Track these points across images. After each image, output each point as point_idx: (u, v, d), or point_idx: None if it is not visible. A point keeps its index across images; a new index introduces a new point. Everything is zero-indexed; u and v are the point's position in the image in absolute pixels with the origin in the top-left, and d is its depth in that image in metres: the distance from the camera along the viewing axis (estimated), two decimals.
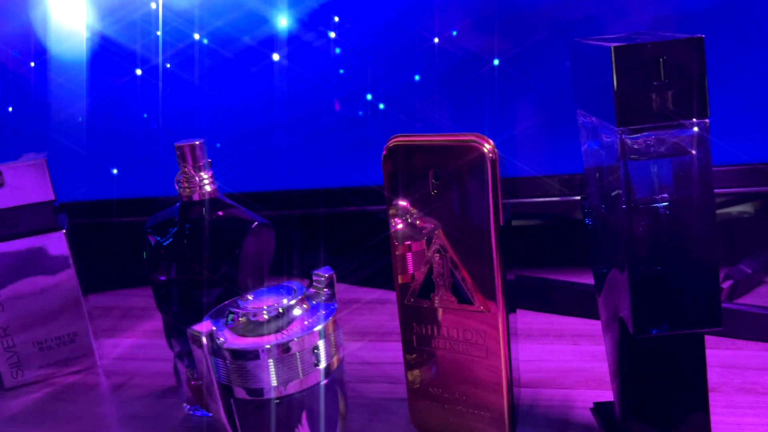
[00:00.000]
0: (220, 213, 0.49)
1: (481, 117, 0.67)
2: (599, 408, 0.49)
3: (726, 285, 0.62)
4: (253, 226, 0.48)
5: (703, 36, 0.37)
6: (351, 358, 0.59)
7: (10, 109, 0.75)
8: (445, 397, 0.47)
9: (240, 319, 0.39)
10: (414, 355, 0.47)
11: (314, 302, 0.41)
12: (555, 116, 0.66)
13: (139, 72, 0.73)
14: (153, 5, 0.70)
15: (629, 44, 0.37)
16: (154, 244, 0.50)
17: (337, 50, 0.68)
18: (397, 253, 0.44)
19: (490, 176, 0.40)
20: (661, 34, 0.40)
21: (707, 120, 0.37)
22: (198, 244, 0.48)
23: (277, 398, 0.38)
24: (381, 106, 0.68)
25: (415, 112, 0.68)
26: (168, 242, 0.49)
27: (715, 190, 0.38)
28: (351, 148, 0.72)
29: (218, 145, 0.64)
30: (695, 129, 0.37)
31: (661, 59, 0.37)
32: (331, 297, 0.42)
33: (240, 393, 0.39)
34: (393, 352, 0.60)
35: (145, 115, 0.74)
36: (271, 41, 0.69)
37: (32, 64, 0.74)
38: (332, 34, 0.67)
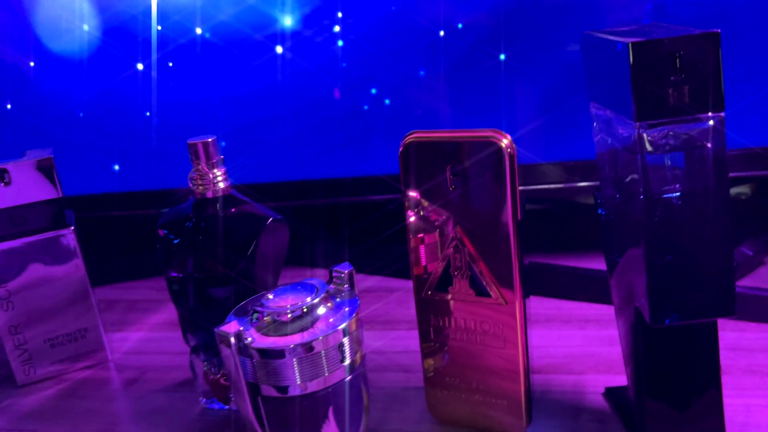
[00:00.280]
0: (235, 210, 0.49)
1: (486, 108, 0.67)
2: (611, 393, 0.50)
3: None
4: (268, 222, 0.49)
5: (719, 31, 0.37)
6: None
7: (9, 106, 0.74)
8: (462, 387, 0.48)
9: (265, 318, 0.40)
10: (431, 347, 0.48)
11: (338, 299, 0.41)
12: (558, 105, 0.66)
13: (140, 66, 0.72)
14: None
15: (646, 40, 0.37)
16: (168, 240, 0.50)
17: (340, 42, 0.68)
18: (414, 246, 0.45)
19: (509, 171, 0.41)
20: (674, 28, 0.41)
21: (723, 114, 0.38)
22: (214, 241, 0.49)
23: (303, 395, 0.39)
24: (386, 101, 0.68)
25: (420, 105, 0.68)
26: (183, 239, 0.50)
27: None
28: (353, 140, 0.72)
29: (223, 143, 0.64)
30: (711, 122, 0.38)
31: (677, 54, 0.37)
32: (351, 293, 0.43)
33: (267, 391, 0.39)
34: (403, 340, 0.61)
35: (148, 114, 0.74)
36: (274, 34, 0.69)
37: (32, 64, 0.73)
38: (336, 28, 0.67)
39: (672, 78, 0.37)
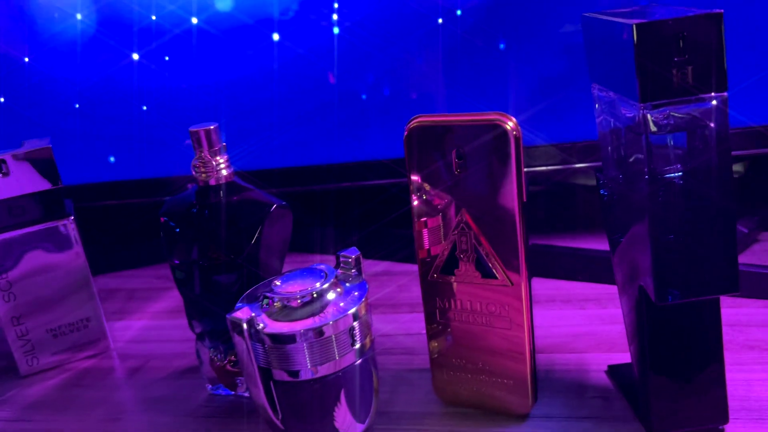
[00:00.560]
0: (239, 197, 0.49)
1: (483, 92, 0.67)
2: (614, 370, 0.51)
3: None
4: (273, 209, 0.49)
5: (722, 11, 0.38)
6: None
7: (2, 99, 0.73)
8: (468, 368, 0.48)
9: (275, 303, 0.40)
10: (437, 329, 0.48)
11: (347, 284, 0.42)
12: (554, 88, 0.66)
13: (135, 57, 0.72)
14: None
15: (651, 21, 0.37)
16: (171, 228, 0.50)
17: (336, 30, 0.67)
18: (419, 230, 0.45)
19: (514, 154, 0.41)
20: (675, 8, 0.41)
21: (725, 93, 0.39)
22: (219, 229, 0.49)
23: (314, 379, 0.39)
24: (384, 87, 0.68)
25: (417, 90, 0.68)
26: (187, 226, 0.50)
27: None
28: (350, 125, 0.72)
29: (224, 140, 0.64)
30: (714, 102, 0.39)
31: (681, 35, 0.37)
32: (359, 277, 0.43)
33: (279, 375, 0.39)
34: (406, 323, 0.62)
35: (145, 108, 0.73)
36: (271, 21, 0.69)
37: (26, 59, 0.72)
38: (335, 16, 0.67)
39: (676, 59, 0.38)
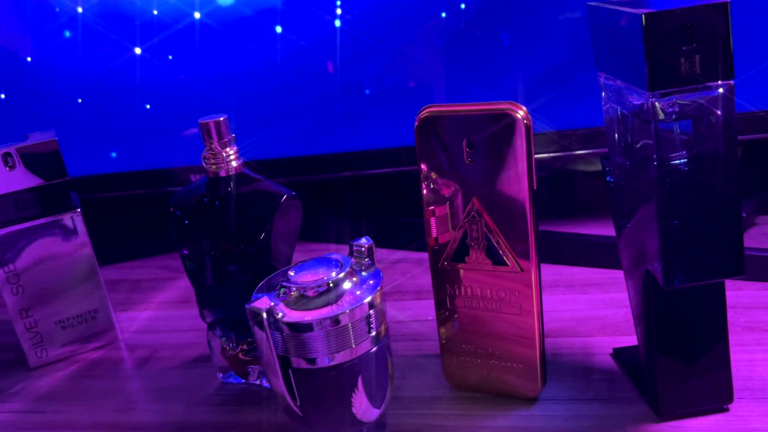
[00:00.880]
0: (249, 188, 0.50)
1: (487, 83, 0.68)
2: (619, 353, 0.52)
3: None
4: (283, 199, 0.49)
5: (729, 0, 0.38)
6: None
7: (2, 96, 0.73)
8: (478, 353, 0.49)
9: (292, 293, 0.40)
10: (447, 315, 0.49)
11: (363, 273, 0.42)
12: (555, 77, 0.67)
13: (138, 51, 0.71)
14: None
15: (659, 11, 0.38)
16: (181, 220, 0.51)
17: (337, 23, 0.68)
18: (430, 218, 0.46)
19: (525, 142, 0.42)
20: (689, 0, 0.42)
21: (732, 81, 0.39)
22: (230, 219, 0.49)
23: (332, 366, 0.40)
24: (385, 77, 0.69)
25: (418, 80, 0.69)
26: (198, 218, 0.50)
27: None
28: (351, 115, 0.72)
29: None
30: (720, 90, 0.39)
31: (688, 25, 0.38)
32: (372, 266, 0.43)
33: (297, 363, 0.40)
34: (413, 310, 0.63)
35: (148, 107, 0.73)
36: (273, 12, 0.69)
37: (29, 59, 0.72)
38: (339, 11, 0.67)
39: (684, 48, 0.38)
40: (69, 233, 0.60)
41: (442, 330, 0.50)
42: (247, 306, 0.39)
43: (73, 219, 0.60)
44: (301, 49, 0.70)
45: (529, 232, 0.44)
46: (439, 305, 0.49)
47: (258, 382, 0.54)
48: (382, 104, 0.70)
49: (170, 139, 0.75)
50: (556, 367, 0.52)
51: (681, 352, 0.45)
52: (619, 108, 0.45)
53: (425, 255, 0.71)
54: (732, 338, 0.52)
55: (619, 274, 0.63)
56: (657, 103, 0.40)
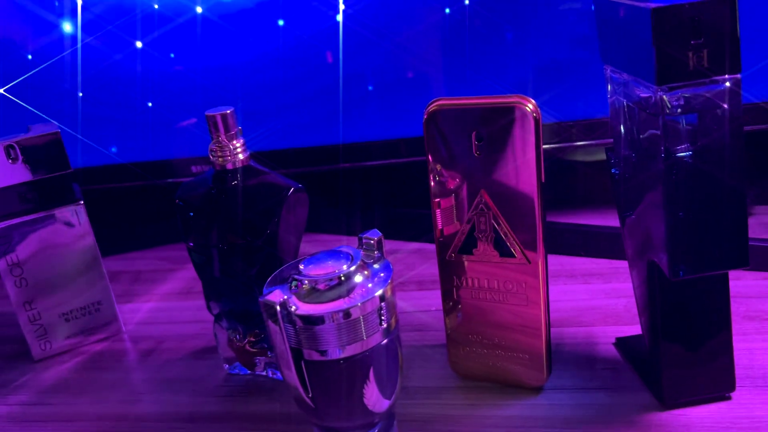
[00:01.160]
0: (256, 180, 0.50)
1: (490, 77, 0.68)
2: (621, 343, 0.53)
3: None
4: (290, 192, 0.49)
5: None
6: None
7: (2, 90, 0.73)
8: (484, 343, 0.49)
9: (304, 285, 0.41)
10: (454, 306, 0.49)
11: (374, 266, 0.42)
12: (555, 71, 0.68)
13: (139, 44, 0.71)
14: None
15: (667, 5, 0.38)
16: (189, 212, 0.51)
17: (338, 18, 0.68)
18: (438, 210, 0.46)
19: (534, 135, 0.42)
20: None
21: (739, 75, 0.40)
22: (237, 212, 0.49)
23: (344, 359, 0.41)
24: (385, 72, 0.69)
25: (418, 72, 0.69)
26: (205, 210, 0.50)
27: None
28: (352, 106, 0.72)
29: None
30: (727, 84, 0.40)
31: (697, 19, 0.39)
32: (381, 258, 0.44)
33: (309, 356, 0.41)
34: (415, 300, 0.63)
35: (150, 104, 0.73)
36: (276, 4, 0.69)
37: (29, 57, 0.71)
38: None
39: (692, 42, 0.39)
40: (72, 226, 0.60)
41: (449, 321, 0.50)
42: (260, 299, 0.39)
43: (76, 211, 0.60)
44: (303, 41, 0.70)
45: (537, 225, 0.44)
46: (446, 296, 0.49)
47: (264, 373, 0.54)
48: (383, 97, 0.71)
49: (170, 130, 0.75)
50: (560, 356, 0.53)
51: (685, 341, 0.45)
52: (625, 101, 0.45)
53: (427, 245, 0.72)
54: (732, 327, 0.53)
55: (619, 264, 0.65)
56: (665, 97, 0.40)
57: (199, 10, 0.69)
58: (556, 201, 0.75)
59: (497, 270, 0.47)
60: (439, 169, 0.45)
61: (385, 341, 0.42)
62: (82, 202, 0.60)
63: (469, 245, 0.47)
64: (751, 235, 0.63)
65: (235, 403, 0.52)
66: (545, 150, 0.69)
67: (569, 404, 0.48)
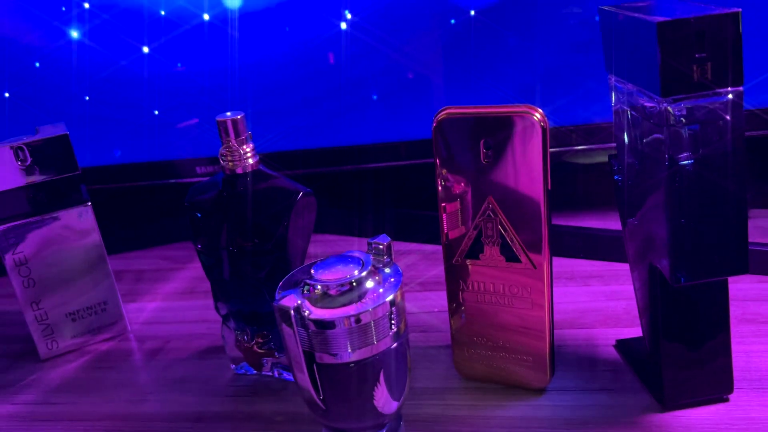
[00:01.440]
0: (266, 185, 0.51)
1: (496, 80, 0.69)
2: (621, 345, 0.54)
3: None
4: (299, 197, 0.50)
5: (740, 10, 0.40)
6: None
7: (7, 95, 0.73)
8: (489, 345, 0.51)
9: (316, 290, 0.41)
10: (460, 309, 0.50)
11: (386, 270, 0.43)
12: (554, 78, 0.69)
13: (146, 50, 0.71)
14: None
15: (673, 20, 0.39)
16: (197, 216, 0.52)
17: (343, 25, 0.68)
18: (445, 216, 0.47)
19: (542, 144, 0.43)
20: (697, 5, 0.43)
21: (741, 88, 0.41)
22: (247, 216, 0.50)
23: (354, 362, 0.41)
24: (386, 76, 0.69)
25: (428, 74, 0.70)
26: (215, 213, 0.51)
27: None
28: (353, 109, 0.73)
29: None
30: (730, 96, 0.41)
31: (702, 33, 0.40)
32: (390, 263, 0.45)
33: (321, 359, 0.41)
34: (418, 301, 0.64)
35: (156, 112, 0.73)
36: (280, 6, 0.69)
37: (37, 64, 0.72)
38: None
39: (696, 55, 0.40)
40: (79, 227, 0.60)
41: (454, 323, 0.51)
42: (275, 303, 0.40)
43: (84, 212, 0.60)
44: (308, 45, 0.70)
45: (543, 231, 0.45)
46: (452, 299, 0.50)
47: (270, 373, 0.55)
48: (385, 102, 0.71)
49: (174, 131, 0.75)
50: (562, 357, 0.54)
51: (685, 343, 0.47)
52: (629, 110, 0.46)
53: (428, 246, 0.73)
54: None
55: (618, 267, 0.66)
56: (670, 108, 0.41)
57: (206, 17, 0.70)
58: (555, 204, 0.77)
59: (503, 274, 0.48)
60: (446, 175, 0.46)
61: (394, 345, 0.43)
62: (89, 203, 0.60)
63: (475, 250, 0.48)
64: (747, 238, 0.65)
65: (243, 403, 0.53)
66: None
67: (571, 405, 0.49)
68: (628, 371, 0.52)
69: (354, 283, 0.42)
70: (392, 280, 0.43)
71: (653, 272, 0.46)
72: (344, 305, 0.41)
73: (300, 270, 0.45)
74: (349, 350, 0.41)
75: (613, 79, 0.48)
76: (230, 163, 0.50)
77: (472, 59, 0.69)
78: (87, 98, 0.73)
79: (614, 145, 0.50)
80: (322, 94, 0.72)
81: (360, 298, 0.41)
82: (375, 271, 0.43)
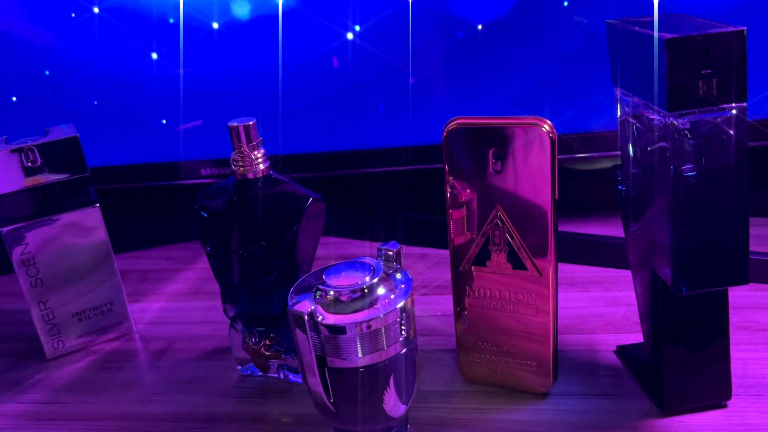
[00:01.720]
0: (276, 190, 0.52)
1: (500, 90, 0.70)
2: (622, 351, 0.55)
3: None
4: (309, 202, 0.51)
5: (745, 28, 0.41)
6: None
7: (14, 99, 0.73)
8: (494, 350, 0.52)
9: (328, 296, 0.42)
10: (465, 314, 0.51)
11: (398, 276, 0.44)
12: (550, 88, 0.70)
13: (155, 56, 0.72)
14: None
15: (681, 37, 0.41)
16: (207, 220, 0.52)
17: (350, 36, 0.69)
18: (453, 223, 0.48)
19: (550, 155, 0.44)
20: (696, 20, 0.44)
21: (745, 104, 0.42)
22: (258, 220, 0.51)
23: (365, 367, 0.42)
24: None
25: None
26: (224, 218, 0.52)
27: None
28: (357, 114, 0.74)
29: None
30: (734, 111, 0.42)
31: (708, 50, 0.41)
32: (400, 269, 0.46)
33: (332, 363, 0.42)
34: (422, 305, 0.65)
35: (163, 119, 0.74)
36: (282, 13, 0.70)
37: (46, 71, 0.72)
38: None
39: (702, 72, 0.41)
40: (87, 228, 0.61)
41: (459, 328, 0.52)
42: (289, 308, 0.41)
43: (92, 214, 0.61)
44: (314, 51, 0.71)
45: (549, 239, 0.46)
46: (458, 305, 0.51)
47: (277, 375, 0.56)
48: (389, 108, 0.73)
49: (180, 133, 0.76)
50: (564, 362, 0.55)
51: (686, 349, 0.48)
52: (634, 122, 0.47)
53: (432, 250, 0.74)
54: None
55: (618, 273, 0.67)
56: (675, 122, 0.42)
57: (215, 26, 0.71)
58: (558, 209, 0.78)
59: (509, 281, 0.49)
60: (456, 183, 0.47)
61: (404, 350, 0.44)
62: (98, 205, 0.61)
63: (483, 257, 0.49)
64: None
65: (251, 404, 0.54)
66: None
67: (574, 410, 0.50)
68: (628, 377, 0.53)
69: (366, 290, 0.43)
70: (402, 286, 0.44)
71: (655, 279, 0.48)
72: (356, 311, 0.42)
73: (311, 275, 0.46)
74: (360, 355, 0.42)
75: (618, 92, 0.49)
76: (241, 168, 0.51)
77: (479, 69, 0.70)
78: (95, 102, 0.74)
79: (615, 152, 0.51)
80: (323, 100, 0.73)
81: (371, 304, 0.42)
82: (386, 278, 0.44)
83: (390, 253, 0.45)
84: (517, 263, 0.48)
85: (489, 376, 0.53)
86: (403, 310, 0.43)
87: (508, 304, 0.50)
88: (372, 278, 0.43)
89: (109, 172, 0.78)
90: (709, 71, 0.41)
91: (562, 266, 0.69)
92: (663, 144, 0.43)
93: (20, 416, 0.55)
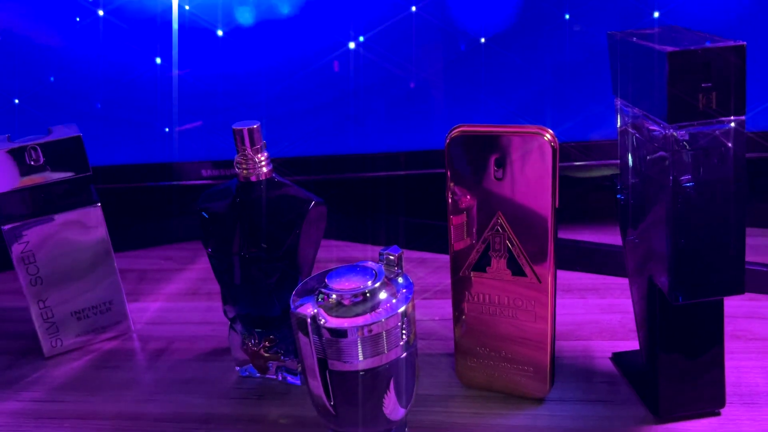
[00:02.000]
0: (279, 193, 0.52)
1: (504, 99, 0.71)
2: (618, 357, 0.56)
3: None
4: (311, 206, 0.51)
5: (745, 43, 0.42)
6: None
7: (17, 101, 0.73)
8: (492, 355, 0.52)
9: (330, 299, 0.43)
10: (464, 320, 0.52)
11: (400, 280, 0.45)
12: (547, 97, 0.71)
13: (158, 61, 0.72)
14: None
15: (682, 50, 0.41)
16: (209, 222, 0.53)
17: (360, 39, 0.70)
18: (454, 230, 0.49)
19: (551, 164, 0.45)
20: (695, 34, 0.45)
21: (743, 117, 0.43)
22: (260, 223, 0.51)
23: (366, 370, 0.43)
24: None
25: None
26: (227, 220, 0.52)
27: None
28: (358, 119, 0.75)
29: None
30: (733, 124, 0.43)
31: (709, 63, 0.41)
32: (401, 274, 0.46)
33: (333, 366, 0.43)
34: (419, 309, 0.65)
35: (169, 127, 0.74)
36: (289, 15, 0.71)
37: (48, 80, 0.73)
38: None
39: (702, 85, 0.42)
40: (88, 227, 0.61)
41: (458, 333, 0.53)
42: (292, 311, 0.41)
43: (93, 213, 0.61)
44: (319, 55, 0.72)
45: (549, 247, 0.47)
46: (457, 310, 0.52)
47: (275, 377, 0.57)
48: (389, 113, 0.73)
49: (181, 134, 0.76)
50: (560, 368, 0.55)
51: (681, 357, 0.48)
52: (634, 133, 0.48)
53: (429, 255, 0.75)
54: None
55: (614, 280, 0.68)
56: (675, 134, 0.43)
57: (220, 33, 0.71)
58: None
59: (508, 287, 0.49)
60: (457, 189, 0.48)
61: (404, 354, 0.44)
62: (99, 204, 0.61)
63: (483, 263, 0.49)
64: None
65: (249, 405, 0.54)
66: None
67: (570, 415, 0.50)
68: (623, 383, 0.53)
69: (368, 294, 0.43)
70: (404, 291, 0.44)
71: (652, 288, 0.48)
72: (358, 315, 0.42)
73: (313, 278, 0.46)
74: (361, 358, 0.42)
75: (618, 102, 0.50)
76: (245, 171, 0.51)
77: (482, 79, 0.71)
78: (98, 106, 0.74)
79: (614, 161, 0.52)
80: (324, 103, 0.74)
81: (373, 308, 0.43)
82: (388, 282, 0.44)
83: (391, 257, 0.46)
84: (516, 270, 0.48)
85: (486, 381, 0.53)
86: (404, 314, 0.43)
87: (507, 310, 0.50)
88: (374, 282, 0.43)
89: (109, 171, 0.78)
90: (709, 84, 0.42)
91: (558, 273, 0.70)
92: (662, 154, 0.44)
93: (19, 414, 0.55)
